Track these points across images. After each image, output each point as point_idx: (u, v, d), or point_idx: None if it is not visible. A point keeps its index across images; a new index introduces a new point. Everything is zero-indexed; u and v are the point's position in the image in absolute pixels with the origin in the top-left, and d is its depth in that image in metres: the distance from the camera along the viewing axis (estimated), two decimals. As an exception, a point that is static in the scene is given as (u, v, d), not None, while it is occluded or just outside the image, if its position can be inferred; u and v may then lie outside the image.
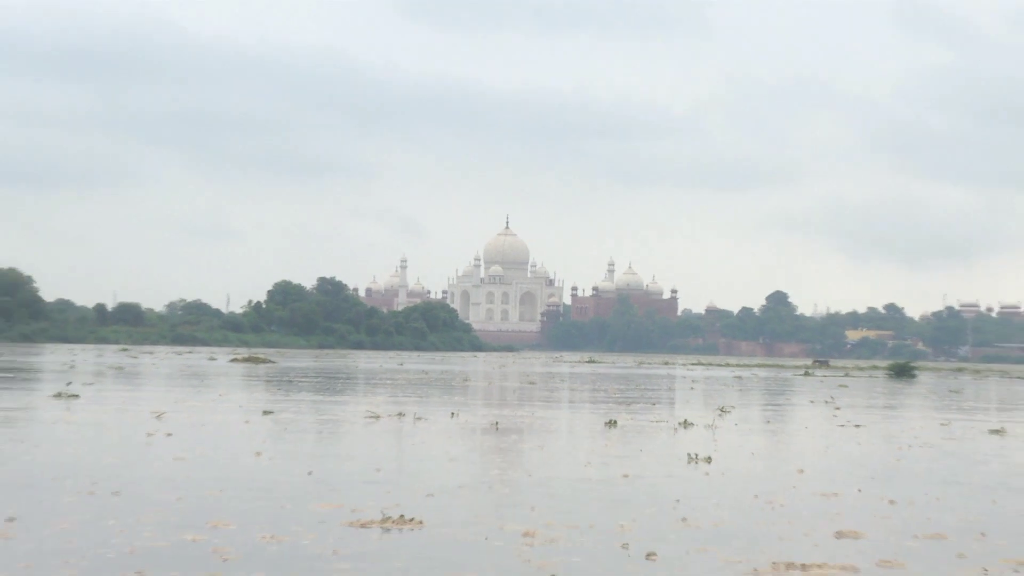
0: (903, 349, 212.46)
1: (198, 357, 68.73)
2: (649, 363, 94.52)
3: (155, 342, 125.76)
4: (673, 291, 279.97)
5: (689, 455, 13.83)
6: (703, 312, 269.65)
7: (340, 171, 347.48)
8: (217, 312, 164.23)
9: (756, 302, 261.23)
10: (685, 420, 20.02)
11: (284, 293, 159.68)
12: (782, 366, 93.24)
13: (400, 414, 20.14)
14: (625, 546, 7.87)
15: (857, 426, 20.63)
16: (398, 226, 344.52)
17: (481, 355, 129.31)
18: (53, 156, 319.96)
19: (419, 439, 16.04)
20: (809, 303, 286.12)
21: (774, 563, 7.35)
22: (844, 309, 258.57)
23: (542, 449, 15.24)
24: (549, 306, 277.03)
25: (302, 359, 70.86)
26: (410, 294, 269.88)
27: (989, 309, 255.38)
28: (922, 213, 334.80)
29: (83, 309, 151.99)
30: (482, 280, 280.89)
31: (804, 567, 7.25)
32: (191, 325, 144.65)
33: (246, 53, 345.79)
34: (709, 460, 13.49)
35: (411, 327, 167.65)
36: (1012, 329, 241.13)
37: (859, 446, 16.72)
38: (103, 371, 40.92)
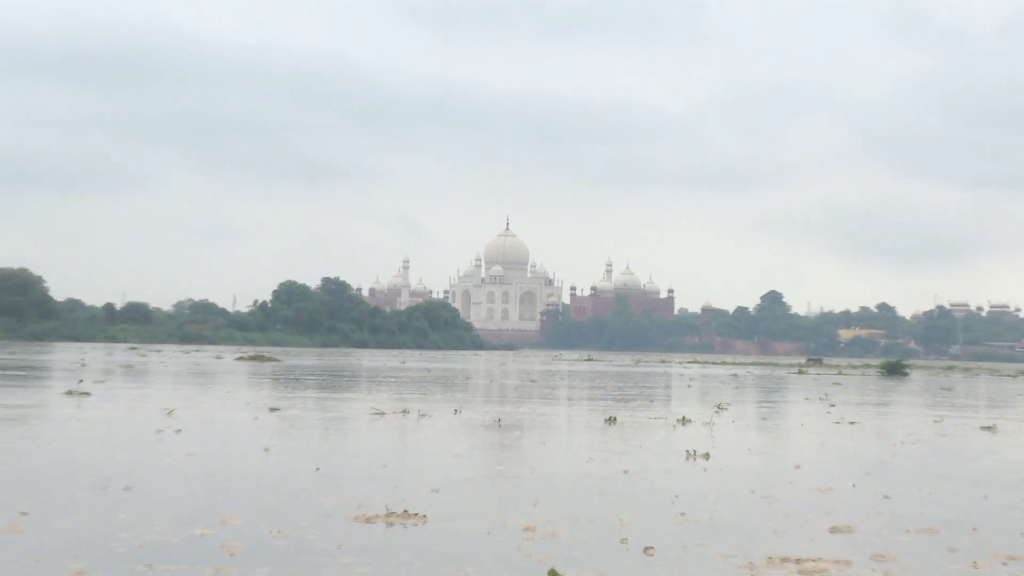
0: (895, 348, 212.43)
1: (205, 355, 68.74)
2: (646, 361, 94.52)
3: (163, 341, 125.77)
4: (670, 291, 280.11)
5: (687, 451, 13.85)
6: (699, 311, 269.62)
7: (343, 173, 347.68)
8: (223, 311, 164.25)
9: (751, 301, 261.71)
10: (683, 417, 20.03)
11: (289, 293, 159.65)
12: (776, 364, 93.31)
13: (404, 411, 20.15)
14: (624, 540, 7.88)
15: (851, 423, 20.64)
16: (400, 227, 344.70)
17: (482, 353, 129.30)
18: (63, 159, 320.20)
19: (423, 435, 16.05)
20: (803, 302, 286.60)
21: (769, 557, 7.36)
22: (837, 308, 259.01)
23: (544, 445, 15.25)
24: (548, 305, 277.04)
25: (307, 357, 70.85)
26: (412, 294, 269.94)
27: (979, 308, 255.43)
28: (914, 215, 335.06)
29: (92, 308, 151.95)
30: (483, 280, 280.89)
31: (799, 561, 7.26)
32: (198, 324, 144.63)
33: (250, 56, 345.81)
34: (707, 456, 13.51)
35: (413, 326, 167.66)
36: (1001, 328, 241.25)
37: (853, 442, 16.73)
38: (113, 369, 40.93)
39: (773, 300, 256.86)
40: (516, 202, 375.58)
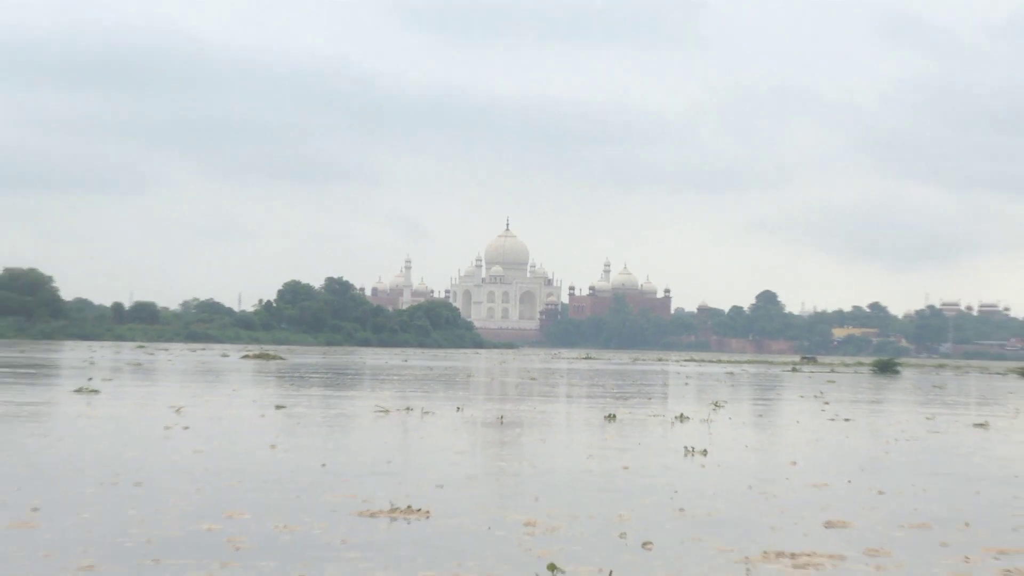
0: (887, 346, 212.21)
1: (211, 354, 68.73)
2: (644, 359, 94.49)
3: (170, 339, 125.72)
4: (666, 290, 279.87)
5: (686, 448, 13.84)
6: (695, 311, 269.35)
7: (347, 175, 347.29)
8: (229, 310, 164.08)
9: (746, 301, 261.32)
10: (681, 414, 20.01)
11: (293, 292, 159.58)
12: (771, 362, 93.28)
13: (408, 408, 20.13)
14: (623, 535, 7.88)
15: (846, 420, 20.63)
16: (403, 228, 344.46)
17: (483, 352, 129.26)
18: (72, 161, 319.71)
19: (426, 432, 16.04)
20: (797, 302, 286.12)
21: (764, 552, 7.36)
22: (830, 308, 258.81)
23: (544, 442, 15.25)
24: (548, 305, 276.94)
25: (311, 356, 70.83)
26: (414, 293, 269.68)
27: (969, 308, 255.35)
28: (906, 216, 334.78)
29: (101, 308, 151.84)
30: (483, 280, 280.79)
31: (793, 555, 7.27)
32: (204, 323, 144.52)
33: (253, 58, 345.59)
34: (705, 453, 13.50)
35: (415, 325, 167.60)
36: (991, 327, 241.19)
37: (848, 439, 16.71)
38: (121, 367, 40.93)
39: (768, 300, 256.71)
40: (516, 203, 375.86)
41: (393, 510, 8.59)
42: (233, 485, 9.90)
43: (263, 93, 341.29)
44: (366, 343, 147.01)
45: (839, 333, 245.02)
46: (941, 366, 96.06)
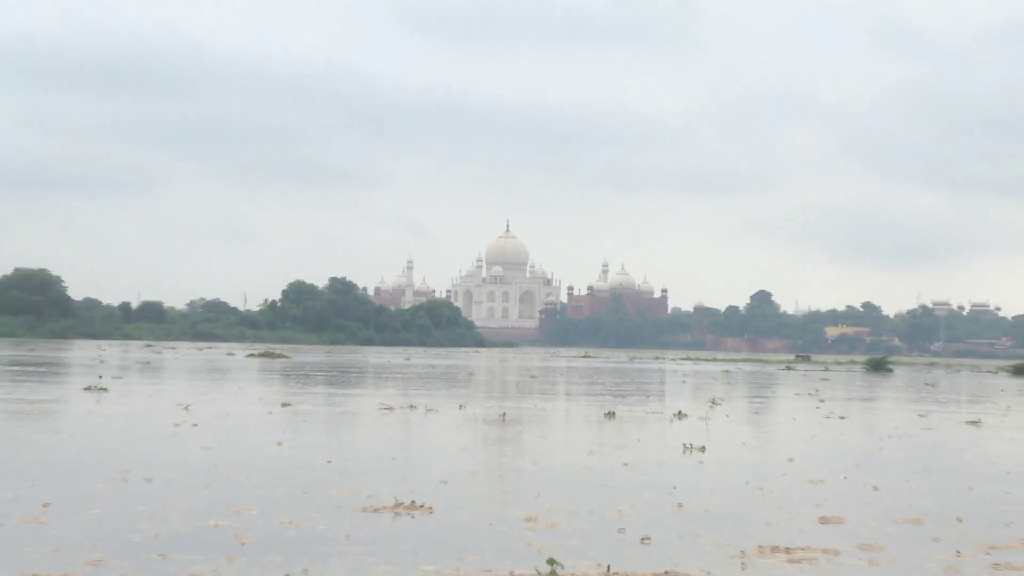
0: (879, 345, 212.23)
1: (217, 352, 68.72)
2: (641, 358, 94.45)
3: (177, 338, 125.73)
4: (663, 290, 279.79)
5: (684, 444, 13.85)
6: (691, 310, 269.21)
7: (350, 177, 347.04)
8: (235, 310, 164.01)
9: (741, 300, 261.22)
10: (679, 411, 20.02)
11: (298, 292, 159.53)
12: (766, 361, 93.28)
13: (412, 406, 20.14)
14: (622, 530, 7.88)
15: (841, 417, 20.63)
16: (405, 229, 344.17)
17: (483, 351, 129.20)
18: (80, 164, 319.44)
19: (430, 430, 16.05)
20: (791, 301, 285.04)
21: (760, 547, 7.37)
22: (824, 307, 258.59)
23: (545, 439, 15.26)
24: (547, 304, 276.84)
25: (315, 354, 70.80)
26: (416, 293, 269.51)
27: (960, 307, 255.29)
28: (897, 217, 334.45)
29: (109, 307, 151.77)
30: (484, 280, 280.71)
31: (788, 550, 7.27)
32: (210, 322, 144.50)
33: (260, 64, 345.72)
34: (703, 449, 13.51)
35: (417, 324, 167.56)
36: (981, 326, 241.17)
37: (843, 436, 16.71)
38: (130, 365, 40.93)
39: (762, 299, 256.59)
40: (516, 205, 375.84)
41: (397, 506, 8.60)
42: (241, 481, 9.90)
43: (267, 96, 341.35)
44: (369, 342, 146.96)
45: (832, 332, 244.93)
46: (932, 364, 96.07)
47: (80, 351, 63.10)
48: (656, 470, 11.62)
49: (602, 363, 68.81)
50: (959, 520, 8.75)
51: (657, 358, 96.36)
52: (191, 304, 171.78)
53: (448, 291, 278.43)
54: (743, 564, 6.87)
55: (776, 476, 11.33)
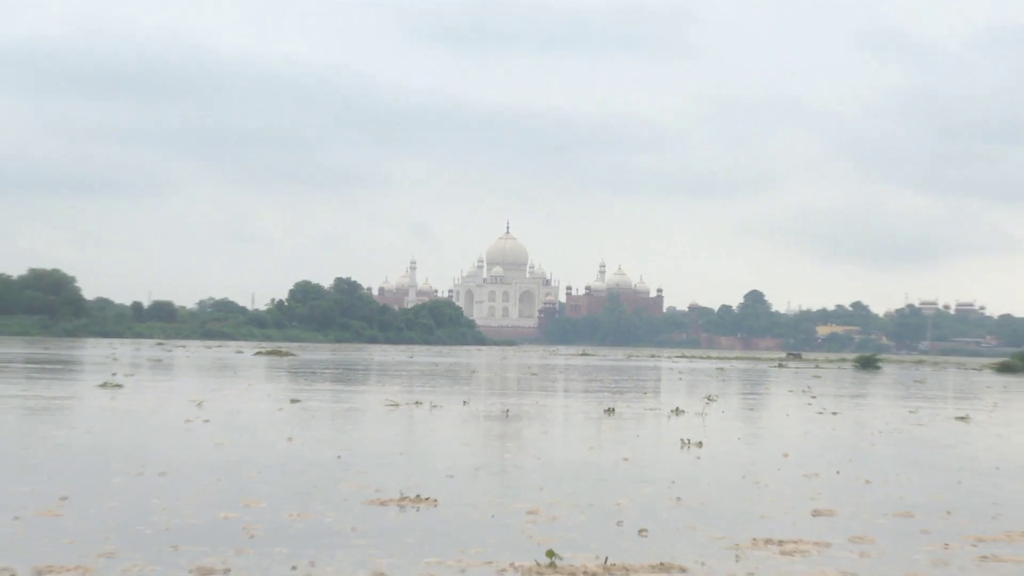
0: (868, 343, 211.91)
1: (226, 351, 68.69)
2: (637, 356, 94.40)
3: (187, 337, 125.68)
4: (659, 290, 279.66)
5: (682, 440, 13.84)
6: (686, 309, 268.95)
7: (355, 180, 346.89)
8: (243, 309, 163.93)
9: (735, 300, 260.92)
10: (677, 408, 20.01)
11: (304, 292, 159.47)
12: (758, 359, 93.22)
13: (417, 402, 20.13)
14: (620, 523, 7.88)
15: (833, 414, 20.62)
16: (408, 230, 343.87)
17: (484, 349, 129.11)
18: (94, 167, 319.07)
19: (435, 425, 16.04)
20: (783, 301, 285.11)
21: (754, 539, 7.38)
22: (815, 307, 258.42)
23: (547, 435, 15.25)
24: (546, 304, 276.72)
25: (321, 352, 70.79)
26: (419, 293, 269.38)
27: (947, 306, 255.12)
28: (886, 219, 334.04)
29: (121, 307, 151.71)
30: (485, 280, 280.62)
31: (781, 543, 7.28)
32: (219, 321, 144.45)
33: (269, 72, 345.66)
34: (700, 445, 13.50)
35: (420, 323, 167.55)
36: (968, 325, 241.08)
37: (835, 432, 16.71)
38: (142, 363, 40.91)
39: (755, 299, 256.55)
40: (516, 207, 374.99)
41: (402, 499, 8.60)
42: (252, 476, 9.89)
43: (275, 101, 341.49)
44: (373, 340, 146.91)
45: (823, 331, 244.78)
46: (920, 362, 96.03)
47: (93, 349, 63.08)
48: (654, 465, 11.62)
49: (600, 361, 68.78)
50: (948, 513, 8.76)
51: (653, 356, 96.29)
52: (200, 304, 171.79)
53: (450, 291, 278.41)
54: (737, 556, 6.87)
55: (771, 471, 11.32)
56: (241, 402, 19.83)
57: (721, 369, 54.38)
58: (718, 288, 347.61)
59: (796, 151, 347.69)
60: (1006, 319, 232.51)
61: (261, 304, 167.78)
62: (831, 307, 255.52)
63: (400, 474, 10.14)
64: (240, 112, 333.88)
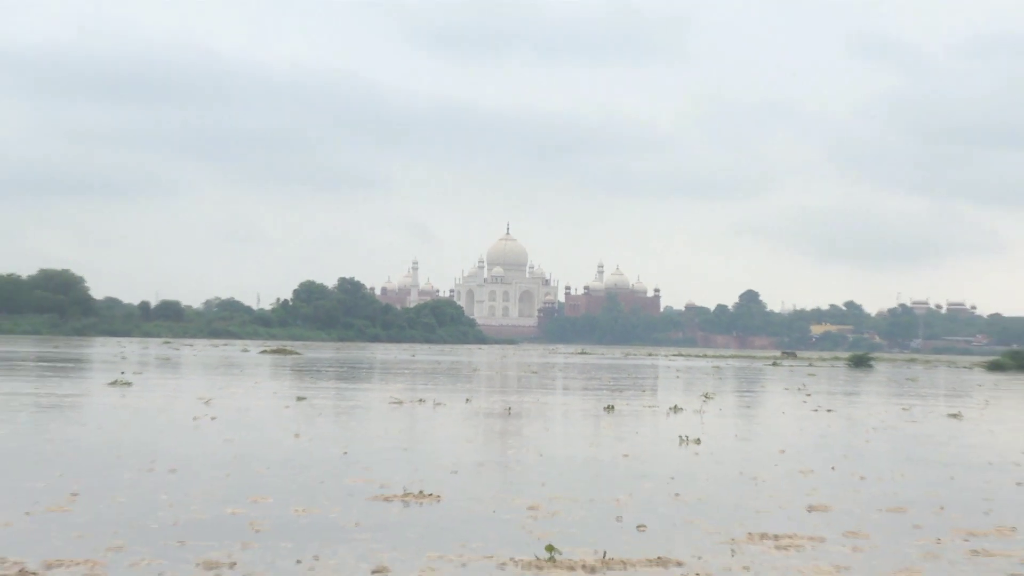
0: (861, 342, 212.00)
1: (232, 349, 68.68)
2: (635, 354, 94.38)
3: (193, 336, 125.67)
4: (656, 290, 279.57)
5: (680, 437, 13.83)
6: (683, 309, 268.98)
7: (358, 182, 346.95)
8: (249, 309, 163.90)
9: (730, 300, 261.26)
10: (675, 405, 20.00)
11: (308, 292, 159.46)
12: (754, 357, 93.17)
13: (421, 400, 20.13)
14: (619, 519, 7.88)
15: (828, 411, 20.60)
16: (410, 232, 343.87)
17: (485, 347, 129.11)
18: (102, 169, 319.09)
19: (439, 422, 16.03)
20: (777, 301, 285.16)
21: (749, 533, 7.38)
22: (809, 306, 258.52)
23: (548, 431, 15.24)
24: (545, 303, 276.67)
25: (325, 351, 70.78)
26: (421, 292, 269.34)
27: (938, 306, 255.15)
28: (878, 220, 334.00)
29: (129, 306, 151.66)
30: (485, 280, 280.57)
31: (776, 537, 7.28)
32: (225, 320, 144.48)
33: (274, 75, 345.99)
34: (698, 442, 13.49)
35: (422, 322, 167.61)
36: (958, 324, 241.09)
37: (831, 429, 16.68)
38: (150, 361, 40.91)
39: (750, 299, 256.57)
40: (516, 209, 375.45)
41: (406, 495, 8.60)
42: (260, 472, 9.89)
43: (279, 104, 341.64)
44: (376, 339, 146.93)
45: (816, 330, 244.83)
46: (912, 360, 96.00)
47: (102, 348, 63.06)
48: (654, 461, 11.61)
49: (598, 359, 68.76)
50: (941, 508, 8.76)
51: (650, 354, 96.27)
52: (207, 303, 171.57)
53: (451, 291, 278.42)
54: (732, 550, 6.87)
55: (768, 467, 11.31)
56: (248, 400, 19.82)
57: (717, 367, 54.35)
58: (714, 288, 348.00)
59: (789, 154, 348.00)
60: (996, 318, 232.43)
61: (266, 304, 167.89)
62: (825, 307, 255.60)
63: (404, 470, 10.13)
64: (244, 114, 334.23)
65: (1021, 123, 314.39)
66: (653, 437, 14.60)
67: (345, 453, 11.47)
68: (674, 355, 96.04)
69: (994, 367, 59.82)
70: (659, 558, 6.58)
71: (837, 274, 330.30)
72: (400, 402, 19.47)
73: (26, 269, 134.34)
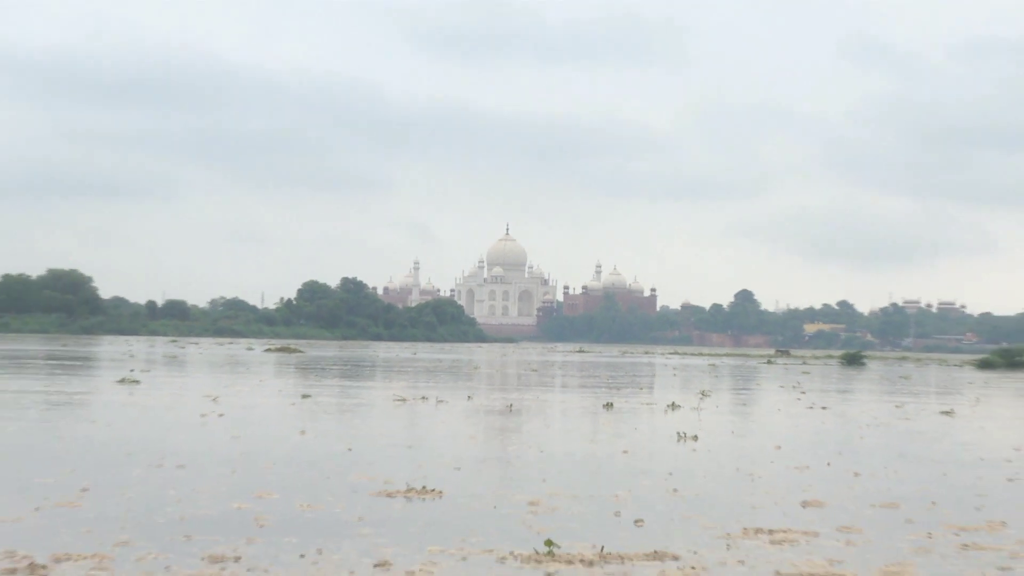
0: (854, 340, 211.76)
1: (237, 348, 68.67)
2: (632, 353, 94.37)
3: (199, 334, 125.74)
4: (653, 289, 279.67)
5: (678, 433, 13.82)
6: (679, 308, 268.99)
7: (360, 183, 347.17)
8: (253, 308, 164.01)
9: (725, 299, 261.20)
10: (673, 403, 19.99)
11: (312, 291, 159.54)
12: (748, 355, 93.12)
13: (423, 397, 20.13)
14: (617, 514, 7.88)
15: (823, 408, 20.59)
16: (411, 232, 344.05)
17: (485, 346, 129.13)
18: (110, 172, 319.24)
19: (441, 419, 16.03)
20: (772, 300, 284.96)
21: (745, 529, 7.37)
22: (802, 305, 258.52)
23: (549, 428, 15.24)
24: (544, 303, 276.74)
25: (328, 349, 70.77)
26: (422, 292, 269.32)
27: (929, 305, 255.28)
28: (870, 221, 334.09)
29: (136, 305, 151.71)
30: (485, 280, 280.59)
31: (771, 532, 7.27)
32: (230, 319, 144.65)
33: (279, 80, 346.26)
34: (696, 438, 13.48)
35: (423, 321, 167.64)
36: (949, 323, 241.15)
37: (826, 425, 16.67)
38: (157, 360, 40.91)
39: (745, 298, 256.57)
40: (515, 209, 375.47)
41: (409, 491, 8.59)
42: (266, 468, 9.88)
43: (282, 107, 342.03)
44: (378, 338, 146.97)
45: (810, 329, 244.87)
46: (904, 359, 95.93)
47: (110, 346, 63.06)
48: (652, 458, 11.60)
49: (596, 357, 68.76)
50: (933, 504, 8.76)
51: (647, 353, 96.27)
52: (212, 302, 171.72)
53: (452, 290, 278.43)
54: (728, 545, 6.87)
55: (764, 463, 11.31)
56: (254, 397, 19.82)
57: (713, 365, 54.33)
58: (710, 287, 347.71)
59: (784, 155, 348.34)
60: (986, 317, 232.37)
61: (270, 303, 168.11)
62: (818, 306, 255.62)
63: (407, 466, 10.13)
64: (246, 116, 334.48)
65: (1014, 125, 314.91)
66: (651, 434, 14.59)
67: (349, 450, 11.47)
68: (670, 353, 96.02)
69: (984, 365, 59.79)
70: (656, 552, 6.58)
71: (830, 274, 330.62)
72: (403, 400, 19.47)
73: (35, 269, 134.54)
